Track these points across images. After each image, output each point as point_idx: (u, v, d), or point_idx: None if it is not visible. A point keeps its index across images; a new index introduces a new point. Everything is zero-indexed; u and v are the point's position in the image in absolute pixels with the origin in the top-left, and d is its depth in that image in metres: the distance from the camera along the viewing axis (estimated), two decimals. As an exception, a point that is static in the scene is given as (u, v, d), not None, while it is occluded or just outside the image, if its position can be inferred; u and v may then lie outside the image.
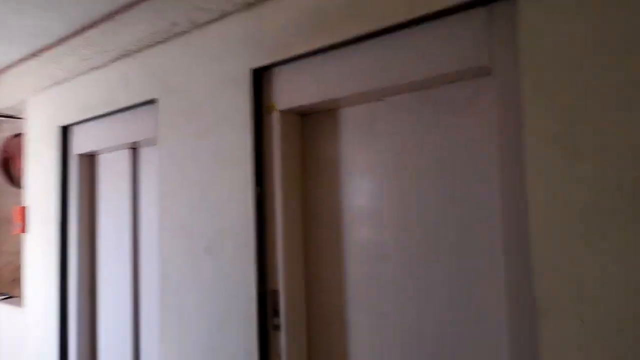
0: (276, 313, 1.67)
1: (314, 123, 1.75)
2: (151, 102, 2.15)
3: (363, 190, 1.61)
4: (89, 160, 2.69)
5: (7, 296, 3.32)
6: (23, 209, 2.90)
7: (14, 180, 3.55)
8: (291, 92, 1.66)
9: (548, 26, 1.11)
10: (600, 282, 1.04)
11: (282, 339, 1.65)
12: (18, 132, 3.50)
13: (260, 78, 1.74)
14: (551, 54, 1.10)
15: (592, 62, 1.05)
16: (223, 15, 1.81)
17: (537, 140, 1.11)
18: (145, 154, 2.41)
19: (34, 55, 2.53)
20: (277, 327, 1.67)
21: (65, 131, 2.69)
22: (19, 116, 3.35)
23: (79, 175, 2.63)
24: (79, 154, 2.63)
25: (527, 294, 1.15)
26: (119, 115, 2.36)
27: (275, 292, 1.68)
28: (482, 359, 1.30)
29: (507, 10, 1.20)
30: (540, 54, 1.11)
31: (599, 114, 1.05)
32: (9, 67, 2.75)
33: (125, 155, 2.47)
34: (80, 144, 2.62)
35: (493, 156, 1.28)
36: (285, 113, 1.71)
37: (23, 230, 2.89)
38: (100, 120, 2.48)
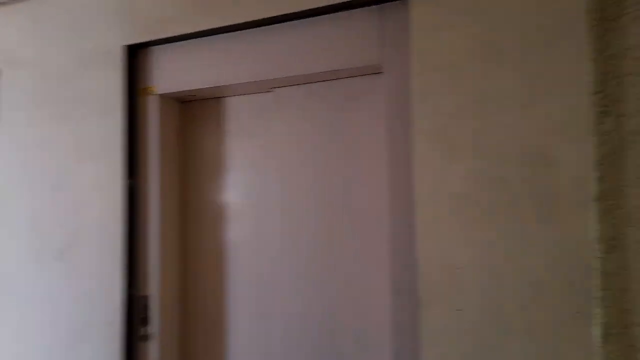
0: (146, 321, 1.49)
1: (196, 111, 1.61)
2: (-9, 75, 1.78)
3: (248, 185, 1.52)
4: None
5: None
6: None
7: None
8: (172, 75, 1.50)
9: (437, 30, 1.15)
10: (475, 271, 1.11)
11: (153, 351, 1.47)
12: None
13: (136, 57, 1.55)
14: (439, 57, 1.14)
15: (473, 67, 1.12)
16: (91, -18, 1.58)
17: (423, 139, 1.15)
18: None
19: None
20: (146, 338, 1.49)
21: None
22: None
23: None
24: None
25: (410, 286, 1.18)
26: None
27: (145, 298, 1.49)
28: (367, 352, 1.30)
29: (398, 11, 1.22)
30: (429, 57, 1.15)
31: (475, 116, 1.12)
32: None
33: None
34: None
35: (382, 153, 1.30)
36: (164, 98, 1.54)
37: None
38: None
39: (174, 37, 1.45)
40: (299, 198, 1.39)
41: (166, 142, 1.54)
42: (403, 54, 1.20)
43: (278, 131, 1.43)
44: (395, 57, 1.22)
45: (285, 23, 1.34)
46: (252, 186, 1.51)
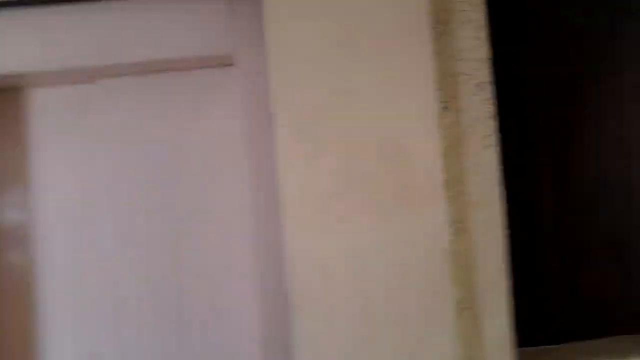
0: None
1: (-15, 106, 1.24)
2: None
3: (65, 196, 1.23)
4: None
5: None
6: None
7: None
8: (-56, 57, 1.12)
9: (293, 20, 1.10)
10: (345, 268, 1.09)
11: None
12: None
13: None
14: (298, 50, 1.10)
15: (331, 61, 1.10)
16: None
17: (286, 135, 1.09)
18: None
19: None
20: None
21: None
22: None
23: None
24: None
25: (280, 290, 1.11)
26: None
27: None
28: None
29: (250, -1, 1.14)
30: (287, 50, 1.09)
31: (337, 111, 1.11)
32: None
33: None
34: None
35: (240, 151, 1.19)
36: None
37: None
38: None
39: (-54, 5, 1.09)
40: (139, 207, 1.18)
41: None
42: (257, 44, 1.12)
43: (106, 131, 1.20)
44: (248, 47, 1.13)
45: (114, 1, 1.13)
46: (71, 197, 1.22)
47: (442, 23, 1.17)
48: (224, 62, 1.18)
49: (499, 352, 1.16)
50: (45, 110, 1.23)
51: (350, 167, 1.10)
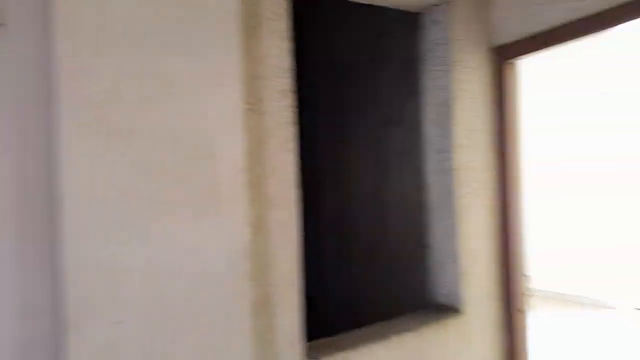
0: None
1: None
2: None
3: None
4: None
5: None
6: None
7: None
8: None
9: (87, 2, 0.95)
10: (139, 273, 0.98)
11: None
12: None
13: None
14: (96, 23, 0.94)
15: (138, 43, 0.99)
16: None
17: (72, 120, 0.92)
18: None
19: None
20: None
21: None
22: None
23: None
24: None
25: (49, 305, 0.92)
26: None
27: None
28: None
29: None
30: (80, 21, 0.93)
31: (139, 100, 0.99)
32: None
33: None
34: None
35: (4, 132, 0.94)
36: None
37: None
38: None
39: None
40: None
41: None
42: (40, 6, 0.93)
43: None
44: (26, 7, 0.92)
45: None
46: None
47: (251, 27, 1.18)
48: (-12, 19, 0.93)
49: (289, 347, 1.21)
50: None
51: (148, 161, 0.99)
